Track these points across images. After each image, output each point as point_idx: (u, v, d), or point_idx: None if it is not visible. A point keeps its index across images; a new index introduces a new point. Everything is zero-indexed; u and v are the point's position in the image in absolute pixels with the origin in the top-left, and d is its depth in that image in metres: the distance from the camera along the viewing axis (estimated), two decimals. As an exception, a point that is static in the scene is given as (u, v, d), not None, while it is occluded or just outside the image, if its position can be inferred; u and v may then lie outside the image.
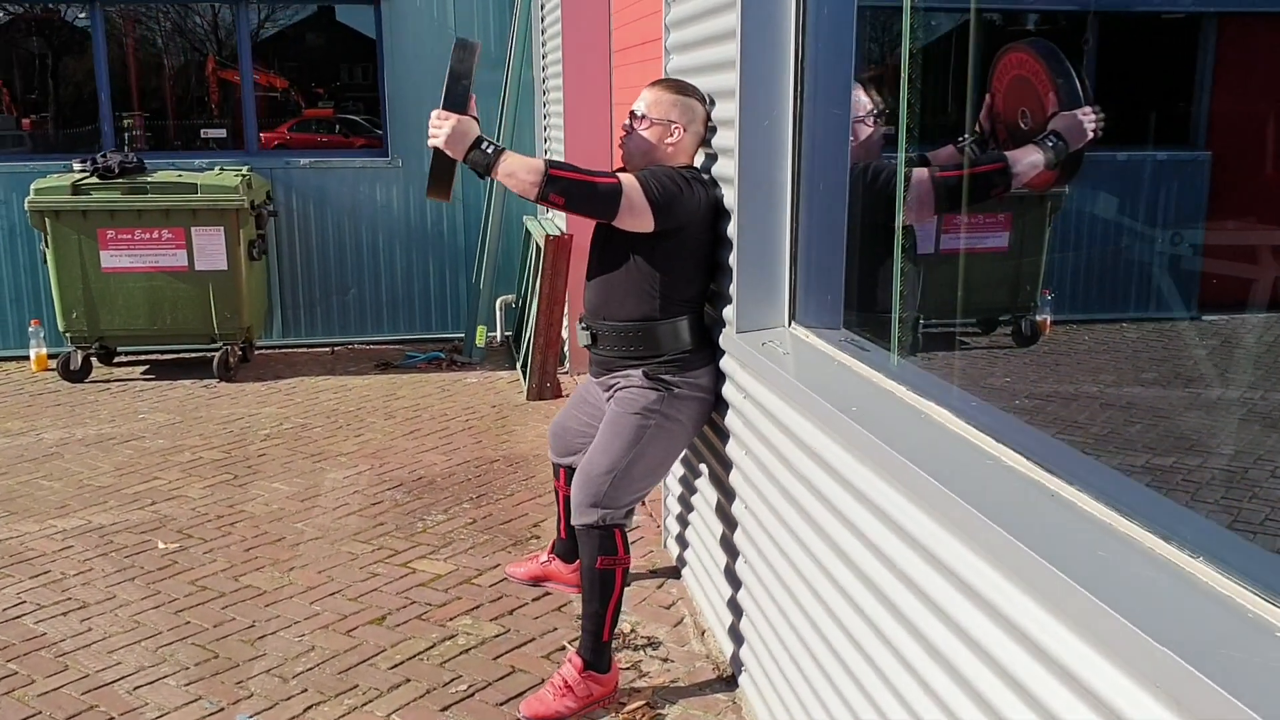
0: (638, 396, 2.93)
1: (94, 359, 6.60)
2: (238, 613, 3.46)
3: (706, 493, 3.32)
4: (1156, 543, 1.39)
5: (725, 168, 2.93)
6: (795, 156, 2.77)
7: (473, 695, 2.98)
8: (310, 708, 2.91)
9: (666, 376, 2.94)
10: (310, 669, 3.11)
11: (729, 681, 3.04)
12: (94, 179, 6.25)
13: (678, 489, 3.71)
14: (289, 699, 2.95)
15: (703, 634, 3.30)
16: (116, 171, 6.27)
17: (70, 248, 6.23)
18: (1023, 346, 6.15)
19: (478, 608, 3.49)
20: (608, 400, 3.03)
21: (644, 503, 4.35)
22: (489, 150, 2.77)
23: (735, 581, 3.03)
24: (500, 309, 7.03)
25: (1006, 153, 2.79)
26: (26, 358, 6.85)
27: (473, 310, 6.99)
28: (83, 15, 8.05)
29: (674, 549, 3.81)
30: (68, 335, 6.41)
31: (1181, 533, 1.39)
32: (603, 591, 2.87)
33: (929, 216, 3.11)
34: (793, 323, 2.85)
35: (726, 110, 2.89)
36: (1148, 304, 5.87)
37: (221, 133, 8.34)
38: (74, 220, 6.20)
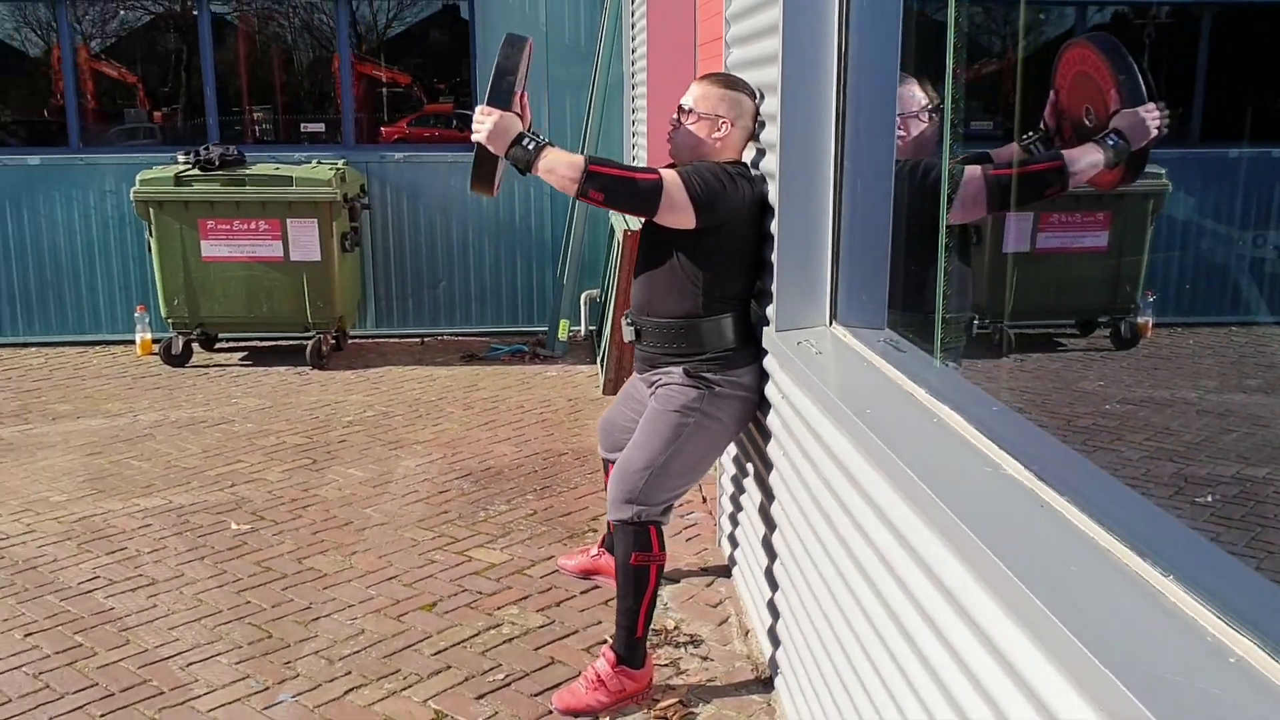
0: (677, 394, 2.92)
1: (195, 344, 6.88)
2: (296, 594, 3.57)
3: (752, 492, 3.29)
4: (1133, 559, 1.33)
5: (770, 163, 2.90)
6: (838, 152, 2.72)
7: (509, 684, 3.01)
8: (351, 690, 2.98)
9: (708, 374, 2.92)
10: (357, 652, 3.19)
11: (766, 683, 3.01)
12: (196, 171, 6.50)
13: (730, 487, 3.68)
14: (332, 680, 3.03)
15: (746, 634, 3.28)
16: (217, 164, 6.50)
17: (172, 237, 6.48)
18: (1122, 349, 5.92)
19: (526, 598, 3.52)
20: (650, 396, 3.03)
21: (704, 499, 4.35)
22: (530, 146, 2.79)
23: (775, 583, 2.99)
24: (585, 303, 7.08)
25: (1064, 151, 2.69)
26: (132, 342, 7.17)
27: (556, 304, 7.05)
28: (221, 9, 8.42)
29: (726, 548, 3.78)
30: (170, 321, 6.68)
31: (1164, 549, 1.32)
32: (636, 587, 2.87)
33: (982, 215, 3.02)
34: (834, 322, 2.80)
35: (772, 105, 2.86)
36: (1259, 307, 5.59)
37: (320, 127, 8.57)
38: (176, 210, 6.45)
